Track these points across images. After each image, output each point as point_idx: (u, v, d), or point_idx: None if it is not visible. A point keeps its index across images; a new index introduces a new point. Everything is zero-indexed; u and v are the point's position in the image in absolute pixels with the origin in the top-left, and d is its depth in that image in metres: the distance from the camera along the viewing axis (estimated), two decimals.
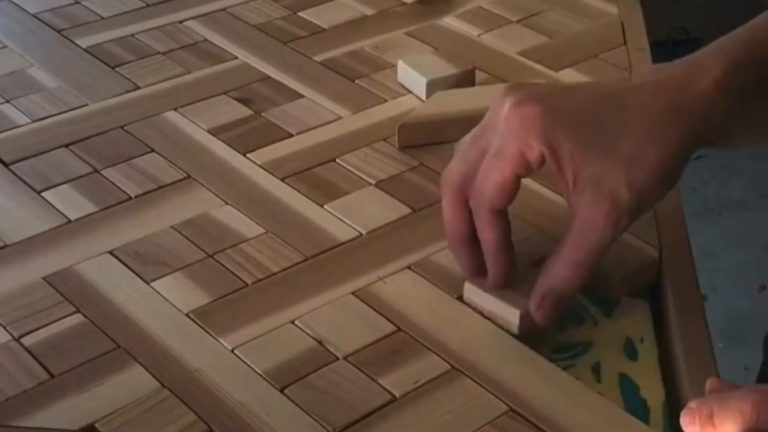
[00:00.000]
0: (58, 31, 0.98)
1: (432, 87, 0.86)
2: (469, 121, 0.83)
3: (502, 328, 0.65)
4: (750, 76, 0.65)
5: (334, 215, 0.75)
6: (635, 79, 0.68)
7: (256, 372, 0.63)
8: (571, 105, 0.63)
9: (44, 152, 0.81)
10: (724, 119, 0.64)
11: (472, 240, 0.66)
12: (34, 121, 0.85)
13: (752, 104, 0.66)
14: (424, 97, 0.86)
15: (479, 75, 0.90)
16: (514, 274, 0.65)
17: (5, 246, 0.72)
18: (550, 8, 1.01)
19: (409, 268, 0.70)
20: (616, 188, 0.61)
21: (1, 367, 0.63)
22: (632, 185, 0.61)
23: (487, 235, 0.64)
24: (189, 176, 0.79)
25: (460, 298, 0.68)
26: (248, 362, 0.63)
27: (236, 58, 0.94)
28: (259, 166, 0.80)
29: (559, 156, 0.61)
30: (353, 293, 0.68)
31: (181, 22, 0.99)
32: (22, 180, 0.78)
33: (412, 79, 0.88)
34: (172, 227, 0.74)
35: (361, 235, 0.73)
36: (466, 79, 0.88)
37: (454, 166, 0.66)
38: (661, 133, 0.62)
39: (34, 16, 1.00)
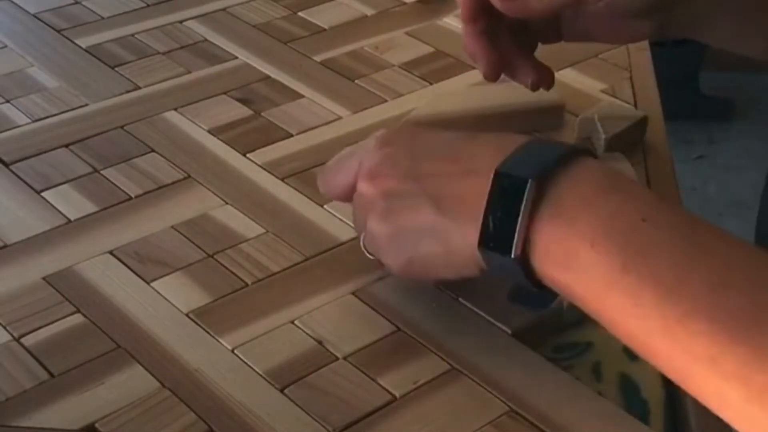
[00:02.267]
0: (58, 31, 0.98)
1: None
2: (468, 120, 0.83)
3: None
4: None
5: (334, 215, 0.75)
6: None
7: (256, 372, 0.63)
8: None
9: (44, 152, 0.81)
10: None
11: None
12: (34, 121, 0.85)
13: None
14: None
15: (478, 75, 0.90)
16: None
17: (5, 246, 0.72)
18: None
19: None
20: None
21: (1, 367, 0.63)
22: None
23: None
24: (189, 176, 0.79)
25: (460, 298, 0.68)
26: (248, 362, 0.63)
27: (236, 58, 0.94)
28: (259, 166, 0.80)
29: None
30: (353, 293, 0.68)
31: (181, 22, 0.99)
32: (22, 180, 0.78)
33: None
34: (172, 227, 0.74)
35: None
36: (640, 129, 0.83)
37: None
38: None
39: (34, 16, 1.00)
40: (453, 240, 0.59)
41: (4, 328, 0.66)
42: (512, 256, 0.56)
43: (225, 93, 0.89)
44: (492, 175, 0.57)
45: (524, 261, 0.56)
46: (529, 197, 0.55)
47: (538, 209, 0.56)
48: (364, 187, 0.64)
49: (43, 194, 0.77)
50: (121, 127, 0.84)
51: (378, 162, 0.64)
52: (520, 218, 0.55)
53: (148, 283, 0.69)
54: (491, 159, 0.58)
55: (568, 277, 0.55)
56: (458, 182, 0.60)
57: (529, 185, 0.55)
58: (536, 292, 0.58)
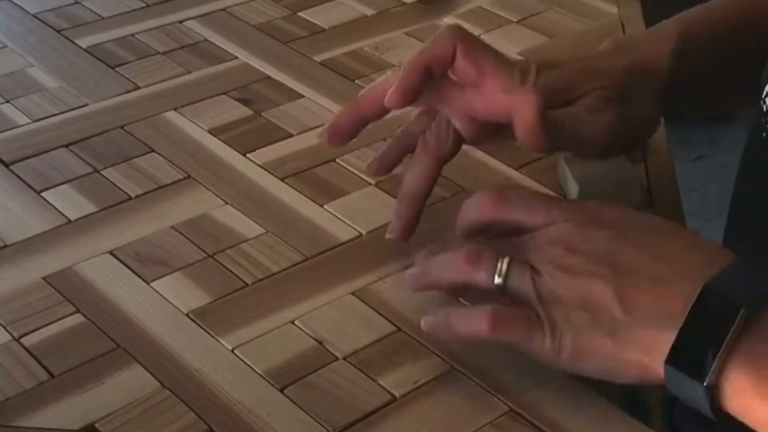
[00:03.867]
0: (58, 31, 0.98)
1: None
2: None
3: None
4: (706, 44, 0.73)
5: (334, 215, 0.75)
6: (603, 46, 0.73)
7: (256, 372, 0.63)
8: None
9: (44, 152, 0.81)
10: (674, 82, 0.71)
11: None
12: (34, 121, 0.85)
13: (705, 74, 0.73)
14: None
15: None
16: None
17: (5, 246, 0.72)
18: (550, 8, 1.01)
19: (409, 268, 0.70)
20: None
21: (1, 367, 0.63)
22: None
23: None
24: (189, 176, 0.79)
25: (460, 298, 0.67)
26: (248, 362, 0.63)
27: (236, 58, 0.94)
28: (259, 166, 0.80)
29: None
30: (353, 293, 0.68)
31: (181, 22, 0.99)
32: (22, 180, 0.78)
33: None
34: (172, 227, 0.74)
35: (361, 235, 0.73)
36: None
37: None
38: (623, 88, 0.69)
39: (34, 16, 1.00)
40: (631, 342, 0.55)
41: (4, 328, 0.66)
42: (705, 383, 0.52)
43: (225, 93, 0.89)
44: (699, 290, 0.53)
45: (715, 389, 0.52)
46: (738, 327, 0.52)
47: (742, 337, 0.52)
48: (550, 251, 0.58)
49: (43, 194, 0.77)
50: (121, 127, 0.84)
51: (570, 232, 0.58)
52: (723, 347, 0.51)
53: (148, 283, 0.69)
54: (698, 271, 0.54)
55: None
56: (655, 286, 0.55)
57: (741, 314, 0.52)
58: (709, 419, 0.53)
